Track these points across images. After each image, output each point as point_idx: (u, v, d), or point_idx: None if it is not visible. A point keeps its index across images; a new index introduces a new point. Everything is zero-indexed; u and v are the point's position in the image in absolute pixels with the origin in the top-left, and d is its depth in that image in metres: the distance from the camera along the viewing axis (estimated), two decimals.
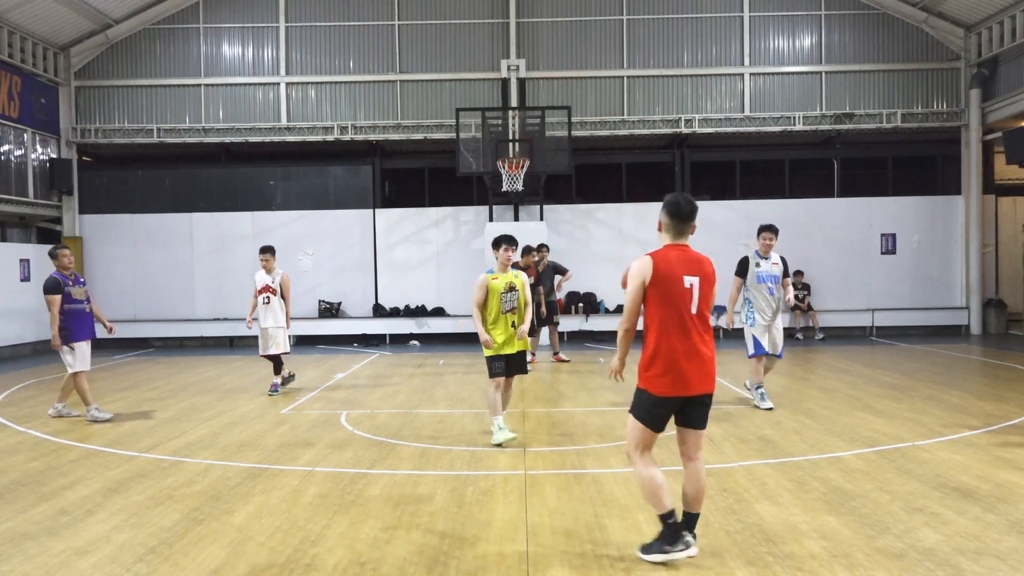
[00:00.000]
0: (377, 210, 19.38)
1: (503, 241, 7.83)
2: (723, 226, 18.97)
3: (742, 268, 9.25)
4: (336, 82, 19.34)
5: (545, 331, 15.14)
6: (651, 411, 4.57)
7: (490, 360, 7.69)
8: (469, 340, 18.60)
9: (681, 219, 4.64)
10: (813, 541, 4.89)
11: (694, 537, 4.60)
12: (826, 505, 5.58)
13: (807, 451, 7.18)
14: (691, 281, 4.54)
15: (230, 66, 19.38)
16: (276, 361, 11.17)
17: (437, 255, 19.33)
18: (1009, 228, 19.66)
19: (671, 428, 4.71)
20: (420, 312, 19.06)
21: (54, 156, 19.00)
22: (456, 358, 15.43)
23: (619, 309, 16.65)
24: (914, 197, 19.27)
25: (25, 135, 17.93)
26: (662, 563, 4.50)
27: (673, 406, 4.56)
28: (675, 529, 4.48)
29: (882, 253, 19.14)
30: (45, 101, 18.62)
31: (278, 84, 19.33)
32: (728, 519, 5.33)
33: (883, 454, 7.06)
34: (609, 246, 18.82)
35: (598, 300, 18.54)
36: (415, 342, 18.71)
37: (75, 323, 9.32)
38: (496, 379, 7.74)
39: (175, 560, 4.77)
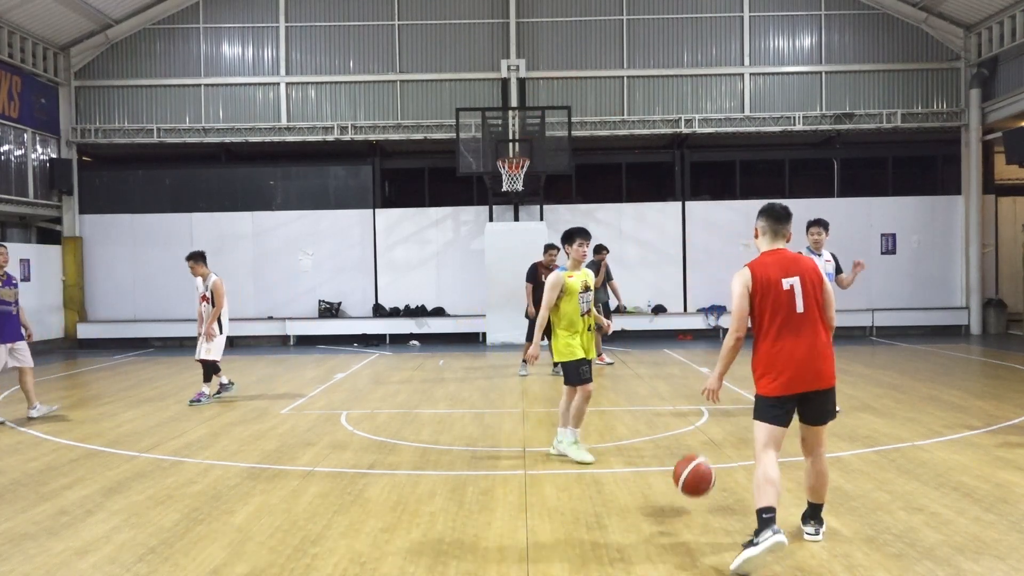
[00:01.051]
0: (377, 210, 19.39)
1: (577, 235, 6.83)
2: (723, 226, 19.00)
3: None
4: (336, 82, 19.34)
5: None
6: (769, 412, 4.67)
7: (575, 365, 6.81)
8: (469, 340, 18.62)
9: (776, 220, 4.84)
10: (813, 541, 4.89)
11: (820, 525, 4.88)
12: (826, 505, 5.58)
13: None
14: (790, 282, 4.66)
15: (230, 66, 19.38)
16: (204, 368, 10.55)
17: (437, 255, 19.33)
18: (1009, 228, 19.66)
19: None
20: (420, 312, 19.06)
21: (54, 156, 19.00)
22: (456, 358, 15.43)
23: (618, 310, 16.66)
24: (914, 197, 19.27)
25: (25, 135, 17.94)
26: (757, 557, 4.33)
27: (791, 404, 4.67)
28: (766, 523, 4.42)
29: (882, 253, 19.14)
30: (45, 101, 18.62)
31: (278, 84, 19.33)
32: (728, 519, 5.32)
33: (883, 454, 7.06)
34: (609, 246, 18.74)
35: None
36: (415, 342, 18.71)
37: None
38: (586, 386, 6.88)
39: (175, 560, 4.77)
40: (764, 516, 4.44)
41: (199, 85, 19.35)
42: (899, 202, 19.21)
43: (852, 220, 19.06)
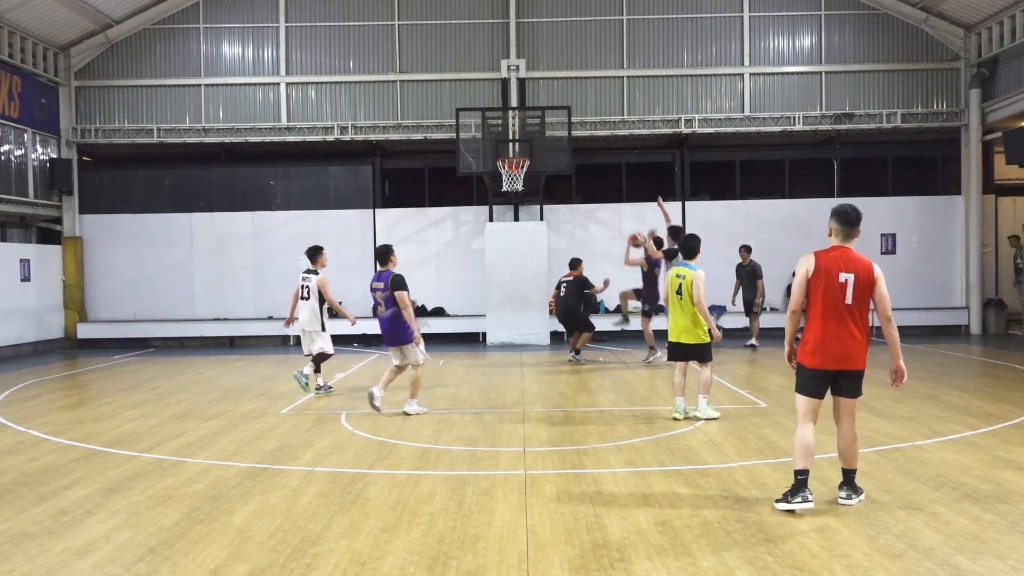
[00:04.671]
0: (377, 210, 19.39)
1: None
2: (723, 226, 18.99)
3: None
4: (336, 82, 19.34)
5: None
6: (809, 382, 5.56)
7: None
8: (469, 340, 18.61)
9: (848, 224, 5.53)
10: (813, 541, 4.90)
11: (852, 491, 5.60)
12: (826, 505, 5.58)
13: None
14: (846, 277, 5.42)
15: (230, 66, 19.38)
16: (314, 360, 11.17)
17: (437, 255, 19.33)
18: (1009, 228, 19.64)
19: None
20: (420, 312, 19.03)
21: (54, 156, 19.00)
22: (456, 358, 15.43)
23: (618, 309, 16.68)
24: (914, 197, 19.27)
25: (25, 135, 17.93)
26: (786, 511, 5.35)
27: (825, 378, 5.52)
28: (800, 484, 5.37)
29: (882, 253, 19.13)
30: (45, 101, 18.61)
31: (278, 84, 19.33)
32: (728, 519, 5.33)
33: (883, 454, 7.06)
34: (609, 246, 18.80)
35: (598, 300, 18.50)
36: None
37: None
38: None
39: (175, 560, 4.77)
40: (799, 478, 5.38)
41: (199, 85, 19.35)
42: (899, 202, 19.21)
43: None
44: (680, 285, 8.73)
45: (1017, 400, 9.64)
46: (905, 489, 5.95)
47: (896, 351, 5.65)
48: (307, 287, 11.13)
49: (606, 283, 14.28)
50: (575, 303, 14.23)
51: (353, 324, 11.93)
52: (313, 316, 11.06)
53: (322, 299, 11.09)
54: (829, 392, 5.60)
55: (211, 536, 5.18)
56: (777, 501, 5.47)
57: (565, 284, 14.35)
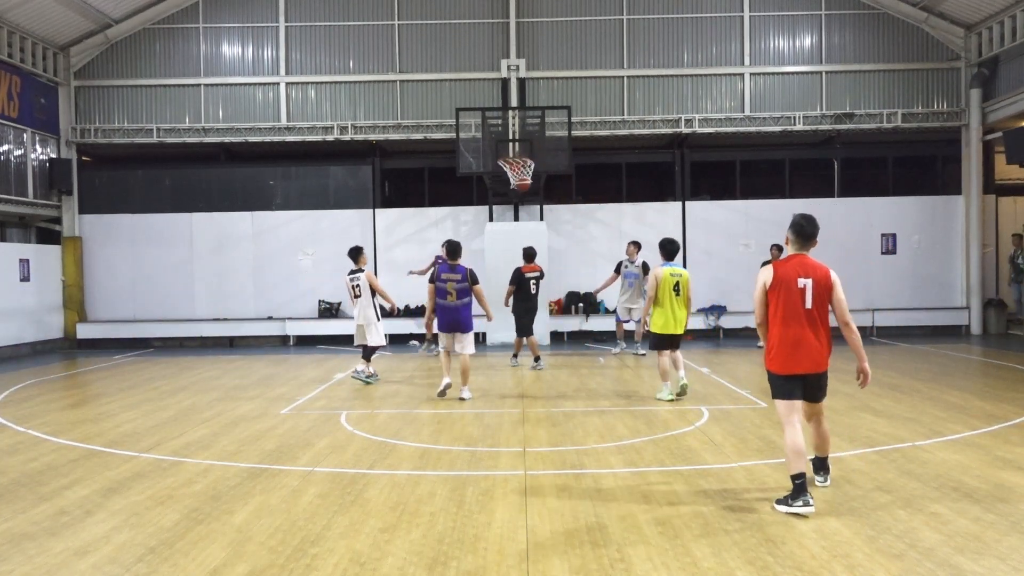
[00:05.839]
0: (377, 210, 19.38)
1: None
2: (723, 226, 19.00)
3: None
4: (336, 82, 19.34)
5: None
6: (781, 386, 5.71)
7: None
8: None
9: (804, 237, 5.75)
10: (813, 541, 4.89)
11: (827, 474, 6.07)
12: (826, 505, 5.58)
13: (807, 451, 7.17)
14: (804, 282, 5.63)
15: (230, 66, 19.37)
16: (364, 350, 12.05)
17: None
18: (1009, 228, 19.63)
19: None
20: (420, 312, 19.02)
21: (54, 156, 18.99)
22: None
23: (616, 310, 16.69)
24: (914, 197, 19.26)
25: (25, 135, 17.93)
26: (789, 515, 5.40)
27: (797, 379, 5.67)
28: (800, 488, 5.44)
29: (882, 253, 19.14)
30: (45, 101, 18.61)
31: (278, 84, 19.33)
32: (728, 519, 5.32)
33: (883, 454, 7.06)
34: (609, 246, 18.78)
35: (598, 300, 18.51)
36: (415, 342, 18.69)
37: None
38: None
39: (175, 560, 4.77)
40: (797, 482, 5.46)
41: (199, 85, 19.34)
42: (899, 202, 19.20)
43: (852, 220, 19.06)
44: (677, 283, 9.79)
45: (1017, 400, 9.64)
46: (905, 489, 5.95)
47: (860, 354, 5.83)
48: (358, 285, 11.99)
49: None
50: (537, 302, 13.82)
51: (396, 312, 13.62)
52: (368, 310, 11.95)
53: (372, 292, 11.98)
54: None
55: (211, 536, 5.17)
56: (777, 502, 5.54)
57: (534, 280, 13.76)
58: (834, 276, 5.73)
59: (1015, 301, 18.08)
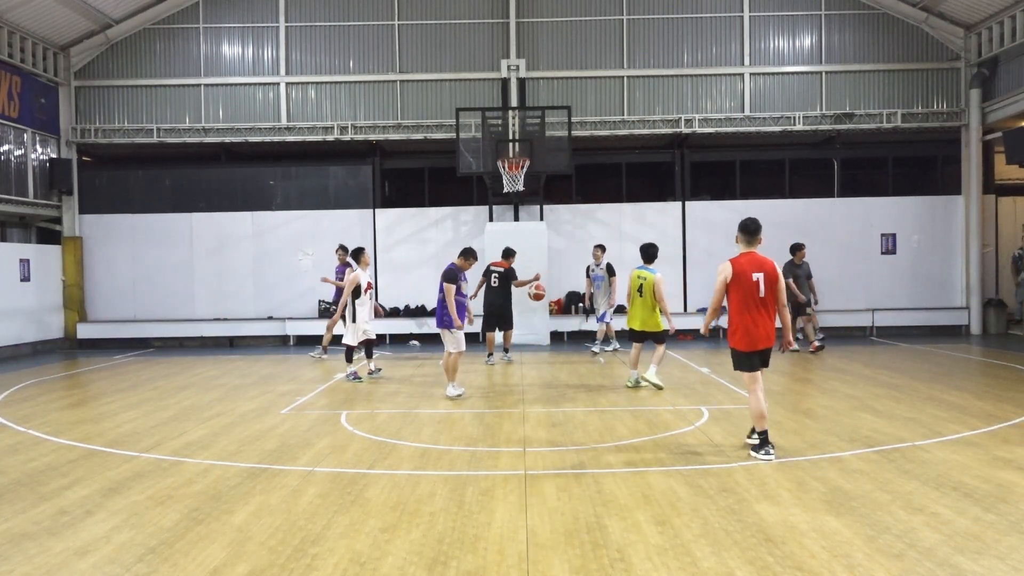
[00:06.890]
0: (377, 210, 19.39)
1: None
2: (723, 226, 18.96)
3: None
4: (336, 82, 19.34)
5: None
6: (746, 361, 7.11)
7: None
8: (469, 340, 18.51)
9: (750, 234, 7.16)
10: (813, 541, 4.90)
11: (772, 448, 7.01)
12: (826, 505, 5.58)
13: (807, 451, 7.18)
14: (758, 276, 6.96)
15: (230, 66, 19.38)
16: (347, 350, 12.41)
17: (437, 255, 19.31)
18: (1009, 228, 19.65)
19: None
20: (420, 312, 19.06)
21: (54, 156, 18.99)
22: None
23: (618, 309, 16.68)
24: (914, 197, 19.26)
25: (25, 135, 17.93)
26: (762, 460, 6.76)
27: (755, 354, 7.07)
28: (764, 441, 6.96)
29: (882, 253, 19.14)
30: (45, 101, 18.61)
31: (278, 84, 19.33)
32: (728, 519, 5.33)
33: (883, 454, 7.06)
34: (609, 246, 18.67)
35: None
36: (415, 342, 18.71)
37: None
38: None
39: (175, 560, 4.77)
40: (762, 436, 6.98)
41: (199, 85, 19.34)
42: (899, 202, 19.21)
43: (852, 220, 19.07)
44: (641, 285, 10.62)
45: (1017, 400, 9.64)
46: (905, 489, 5.95)
47: (787, 329, 7.46)
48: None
49: (537, 276, 14.28)
50: (505, 297, 14.13)
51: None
52: (349, 309, 12.43)
53: (355, 292, 12.31)
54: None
55: (211, 536, 5.18)
56: (754, 448, 6.99)
57: (496, 275, 14.07)
58: (778, 268, 7.07)
59: (1018, 302, 18.05)
